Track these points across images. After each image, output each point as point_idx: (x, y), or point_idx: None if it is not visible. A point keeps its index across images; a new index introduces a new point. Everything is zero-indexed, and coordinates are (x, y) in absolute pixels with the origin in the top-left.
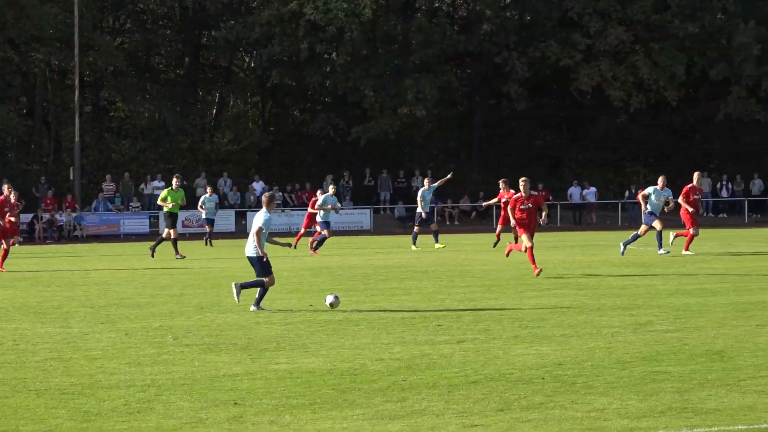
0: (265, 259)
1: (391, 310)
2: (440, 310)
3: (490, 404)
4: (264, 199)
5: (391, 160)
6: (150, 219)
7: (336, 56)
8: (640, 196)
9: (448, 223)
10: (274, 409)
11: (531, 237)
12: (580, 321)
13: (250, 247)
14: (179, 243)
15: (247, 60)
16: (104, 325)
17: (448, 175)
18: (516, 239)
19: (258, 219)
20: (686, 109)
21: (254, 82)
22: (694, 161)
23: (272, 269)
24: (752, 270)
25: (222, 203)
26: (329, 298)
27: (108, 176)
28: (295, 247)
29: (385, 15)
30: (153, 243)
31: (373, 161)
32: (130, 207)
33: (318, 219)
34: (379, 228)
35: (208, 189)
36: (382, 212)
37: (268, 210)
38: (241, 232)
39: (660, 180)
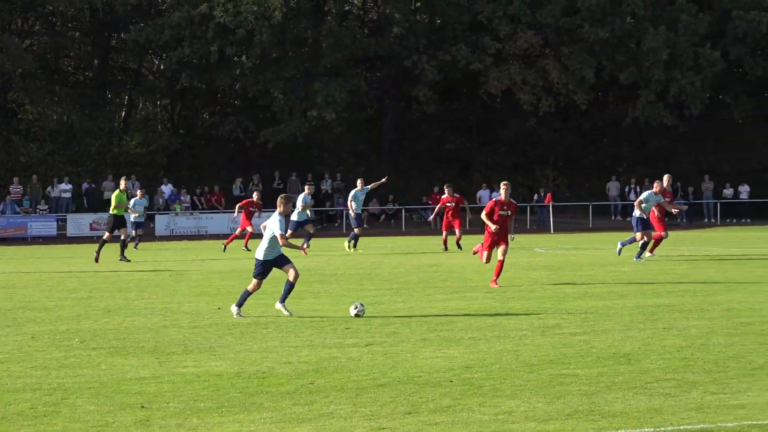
0: (282, 256)
1: (300, 314)
2: (349, 314)
3: (398, 407)
4: (280, 200)
5: (301, 163)
6: (57, 222)
7: (246, 59)
8: (636, 203)
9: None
10: (182, 412)
11: (497, 248)
12: (488, 324)
13: (262, 251)
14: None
15: (156, 62)
16: (10, 329)
17: (383, 179)
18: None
19: (274, 225)
20: (595, 112)
21: (164, 84)
22: (603, 165)
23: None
24: (659, 273)
25: None
26: (355, 309)
27: (15, 179)
28: (225, 249)
29: (295, 18)
30: (109, 248)
31: (282, 164)
32: (37, 210)
33: (293, 219)
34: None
35: (139, 192)
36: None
37: (282, 213)
38: (149, 235)
39: (656, 185)
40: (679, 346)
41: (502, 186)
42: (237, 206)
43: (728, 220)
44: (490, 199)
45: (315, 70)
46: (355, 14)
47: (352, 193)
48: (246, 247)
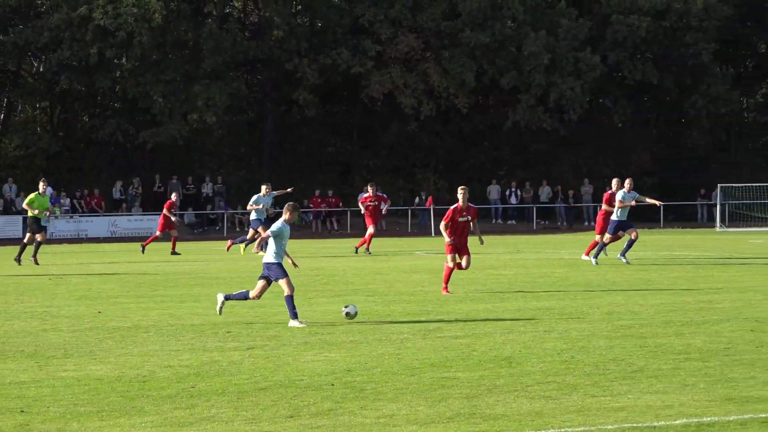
0: (281, 266)
1: (181, 317)
2: (230, 317)
3: (279, 411)
4: (286, 209)
5: (181, 166)
6: None
7: (126, 61)
8: (618, 204)
9: (238, 229)
10: (62, 416)
11: (459, 254)
12: (369, 327)
13: (270, 254)
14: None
15: (35, 64)
16: None
17: (289, 189)
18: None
19: (273, 228)
20: (476, 116)
21: (43, 86)
22: (484, 168)
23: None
24: (539, 276)
25: (8, 209)
26: (349, 310)
27: None
28: (143, 251)
29: (175, 21)
30: (19, 252)
31: (162, 167)
32: None
33: (252, 217)
34: (169, 234)
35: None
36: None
37: (286, 221)
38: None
39: (627, 183)
40: (559, 349)
41: (459, 191)
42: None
43: None
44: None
45: (195, 72)
46: (236, 17)
47: (255, 197)
48: (174, 251)
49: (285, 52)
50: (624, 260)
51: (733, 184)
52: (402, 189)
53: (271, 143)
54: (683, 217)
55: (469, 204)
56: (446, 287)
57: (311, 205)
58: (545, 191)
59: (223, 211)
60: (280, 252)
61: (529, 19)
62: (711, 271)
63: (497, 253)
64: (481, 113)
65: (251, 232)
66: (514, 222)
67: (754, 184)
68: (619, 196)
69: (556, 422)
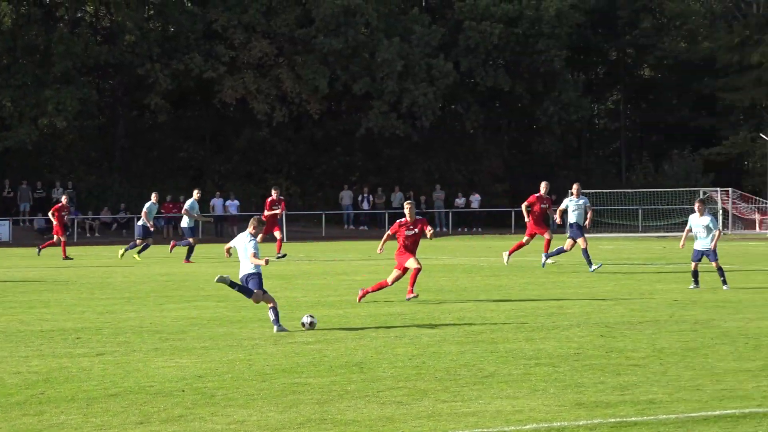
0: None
1: (30, 323)
2: (79, 323)
3: (129, 417)
4: (252, 222)
5: (31, 171)
6: None
7: None
8: (558, 213)
9: (89, 235)
10: None
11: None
12: (220, 333)
13: (249, 266)
14: None
15: None
16: None
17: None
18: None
19: (244, 244)
20: (329, 122)
21: None
22: (336, 174)
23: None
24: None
25: None
26: (308, 321)
27: None
28: (39, 253)
29: (26, 25)
30: None
31: (12, 172)
32: None
33: (183, 225)
34: (18, 240)
35: None
36: (21, 224)
37: (252, 233)
38: None
39: (574, 187)
40: (411, 354)
41: (406, 206)
42: (50, 212)
43: (460, 229)
44: (223, 207)
45: (46, 77)
46: (88, 21)
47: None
48: (66, 256)
49: (137, 57)
50: (543, 259)
51: (584, 191)
52: (254, 194)
53: (123, 148)
54: None
55: (417, 217)
56: (362, 296)
57: (163, 211)
58: (397, 197)
59: (74, 217)
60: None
61: (382, 25)
62: (561, 277)
63: (349, 259)
64: (334, 119)
65: (140, 240)
66: (366, 228)
67: (604, 190)
68: (564, 204)
69: (406, 427)
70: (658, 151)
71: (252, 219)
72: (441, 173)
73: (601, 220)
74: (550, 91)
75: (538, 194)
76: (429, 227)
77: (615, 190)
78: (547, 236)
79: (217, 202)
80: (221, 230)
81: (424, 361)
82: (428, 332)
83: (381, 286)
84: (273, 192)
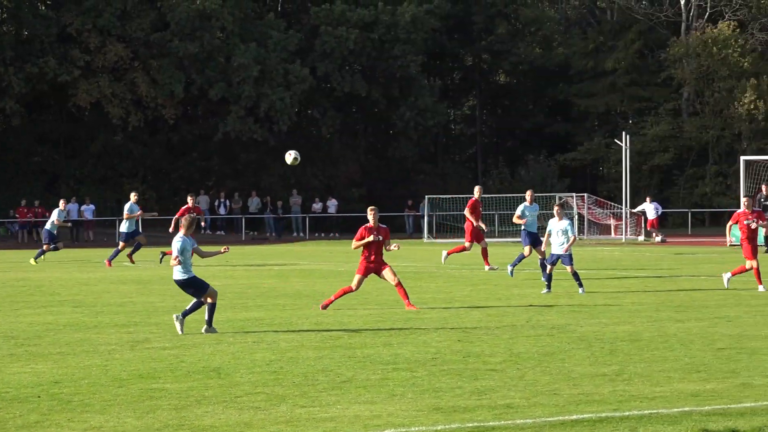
0: (194, 279)
1: None
2: None
3: None
4: (183, 222)
5: None
6: None
7: None
8: (515, 219)
9: None
10: None
11: (378, 273)
12: (77, 339)
13: (177, 271)
14: None
15: None
16: None
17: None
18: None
19: (174, 246)
20: (185, 126)
21: None
22: (193, 178)
23: (206, 283)
24: (249, 287)
25: None
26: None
27: None
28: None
29: None
30: None
31: None
32: None
33: (122, 229)
34: None
35: None
36: None
37: (185, 235)
38: None
39: (528, 194)
40: (268, 359)
41: (369, 211)
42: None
43: (317, 234)
44: (79, 212)
45: None
46: None
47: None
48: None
49: None
50: (510, 268)
51: (440, 196)
52: (109, 199)
53: None
54: (392, 228)
55: (380, 225)
56: (327, 304)
57: (17, 215)
58: (254, 202)
59: None
60: (188, 265)
61: (238, 30)
62: (419, 281)
63: (206, 265)
64: (190, 123)
65: (47, 245)
66: (223, 233)
67: (460, 196)
68: (519, 210)
69: None
70: (514, 157)
71: (185, 218)
72: (297, 178)
73: (457, 226)
74: (406, 97)
75: (474, 198)
76: (394, 243)
77: (471, 196)
78: (482, 245)
79: (72, 207)
80: (77, 235)
81: (281, 367)
82: (286, 337)
83: (345, 292)
84: (189, 199)
